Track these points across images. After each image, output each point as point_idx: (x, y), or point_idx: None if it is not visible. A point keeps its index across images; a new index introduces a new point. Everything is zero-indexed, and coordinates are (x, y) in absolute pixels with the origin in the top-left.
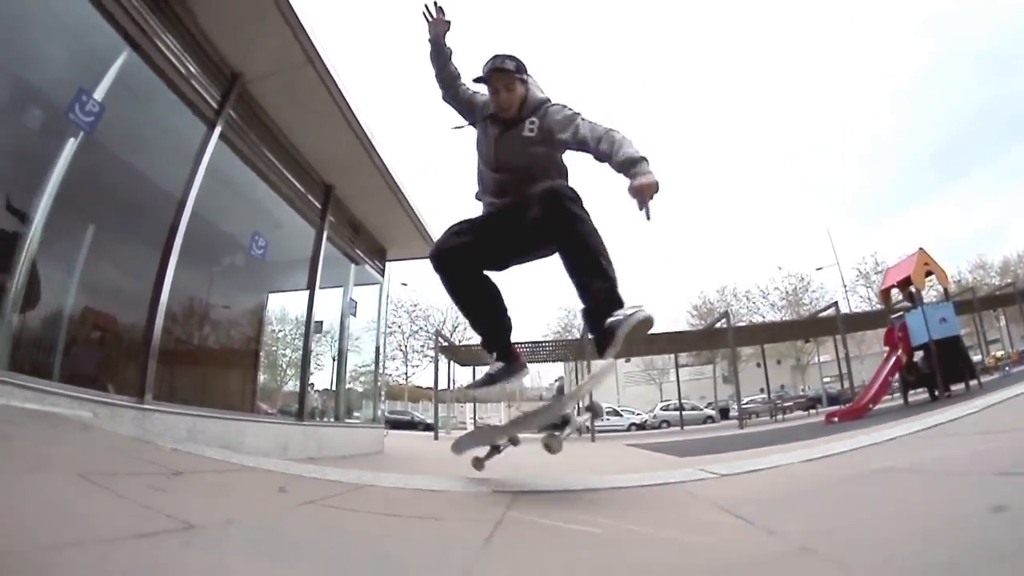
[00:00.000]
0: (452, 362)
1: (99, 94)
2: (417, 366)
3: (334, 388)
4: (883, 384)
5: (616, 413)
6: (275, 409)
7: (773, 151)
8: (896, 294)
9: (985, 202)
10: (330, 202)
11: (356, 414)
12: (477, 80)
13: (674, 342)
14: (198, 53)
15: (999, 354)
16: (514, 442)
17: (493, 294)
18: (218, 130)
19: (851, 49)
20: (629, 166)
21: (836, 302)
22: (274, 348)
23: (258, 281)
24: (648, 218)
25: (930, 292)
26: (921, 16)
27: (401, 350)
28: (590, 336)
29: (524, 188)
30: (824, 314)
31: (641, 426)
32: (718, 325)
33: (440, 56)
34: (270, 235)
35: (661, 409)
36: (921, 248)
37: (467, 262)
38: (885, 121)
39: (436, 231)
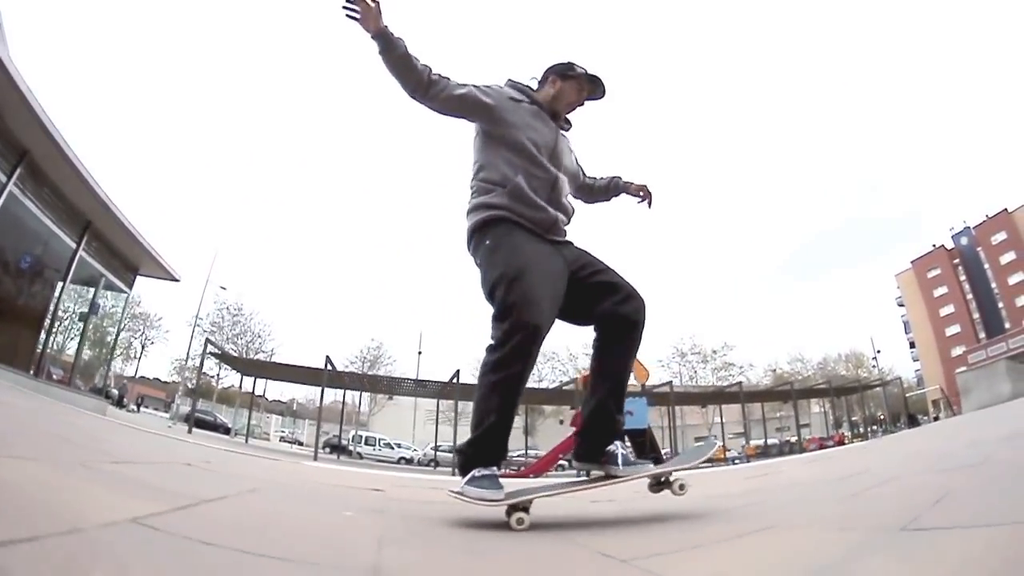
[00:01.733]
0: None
1: None
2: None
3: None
4: (549, 459)
5: (389, 446)
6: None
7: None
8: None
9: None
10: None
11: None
12: (563, 75)
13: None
14: None
15: (754, 443)
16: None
17: None
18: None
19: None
20: (617, 180)
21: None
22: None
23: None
24: (650, 206)
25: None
26: None
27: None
28: (580, 440)
29: (565, 209)
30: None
31: (409, 460)
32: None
33: (398, 53)
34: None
35: (431, 449)
36: None
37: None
38: None
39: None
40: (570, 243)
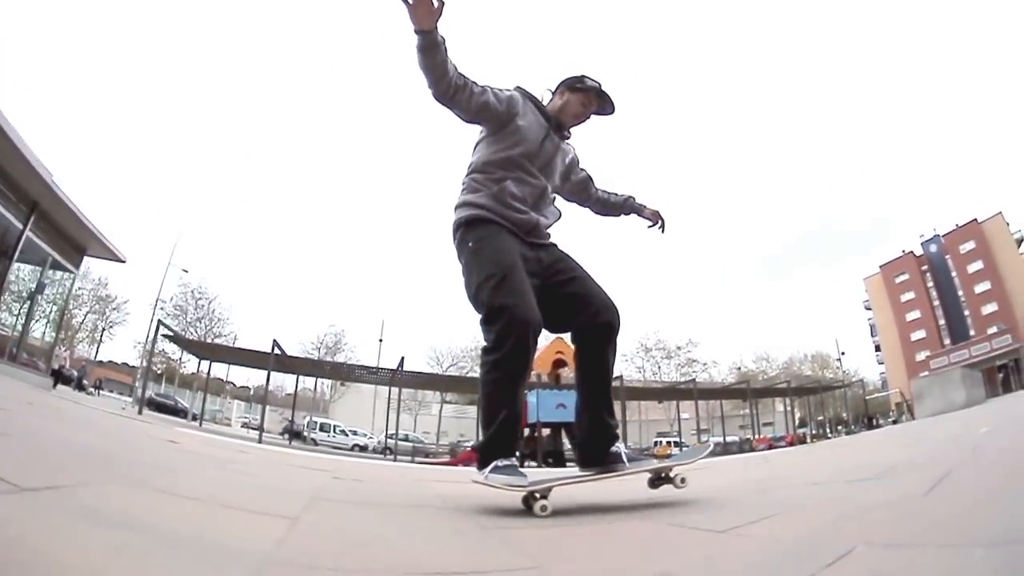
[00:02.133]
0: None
1: None
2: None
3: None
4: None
5: (344, 433)
6: None
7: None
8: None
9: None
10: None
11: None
12: (571, 87)
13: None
14: None
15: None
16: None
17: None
18: None
19: None
20: (631, 201)
21: (620, 375)
22: None
23: None
24: (663, 231)
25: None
26: None
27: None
28: (583, 448)
29: (549, 215)
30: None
31: (364, 448)
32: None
33: (440, 57)
34: None
35: (387, 437)
36: (559, 337)
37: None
38: None
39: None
40: (552, 245)
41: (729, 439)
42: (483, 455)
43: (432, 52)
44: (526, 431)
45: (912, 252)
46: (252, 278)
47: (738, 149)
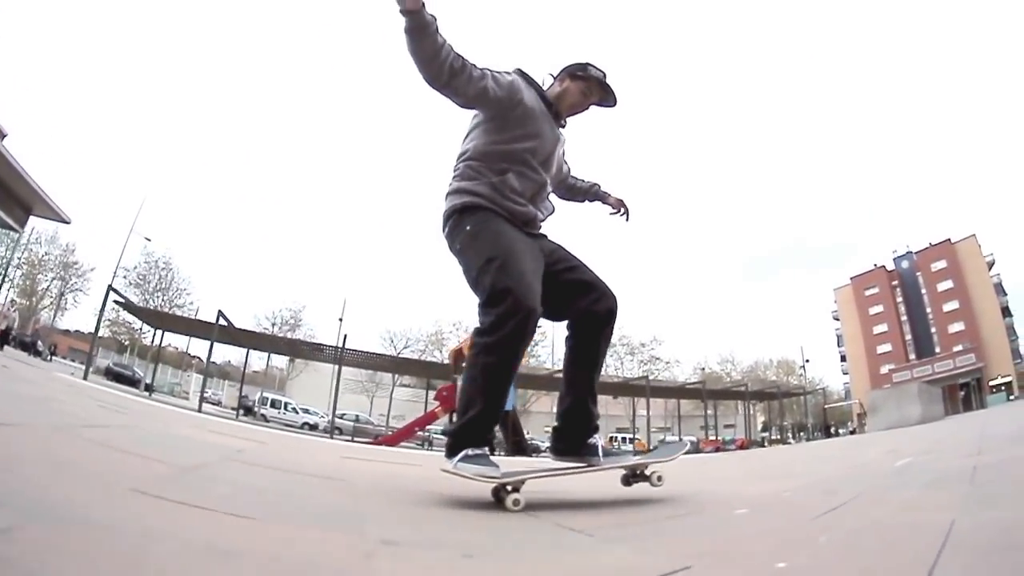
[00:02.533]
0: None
1: None
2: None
3: None
4: (406, 430)
5: (295, 410)
6: None
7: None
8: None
9: None
10: None
11: None
12: (573, 74)
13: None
14: None
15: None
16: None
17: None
18: None
19: None
20: (597, 188)
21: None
22: None
23: None
24: (627, 220)
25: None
26: None
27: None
28: (559, 435)
29: (544, 210)
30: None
31: (313, 427)
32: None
33: (430, 39)
34: None
35: (338, 417)
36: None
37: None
38: None
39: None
40: (544, 236)
41: (688, 438)
42: (454, 442)
43: (420, 35)
44: (452, 416)
45: (884, 267)
46: (219, 251)
47: (723, 152)
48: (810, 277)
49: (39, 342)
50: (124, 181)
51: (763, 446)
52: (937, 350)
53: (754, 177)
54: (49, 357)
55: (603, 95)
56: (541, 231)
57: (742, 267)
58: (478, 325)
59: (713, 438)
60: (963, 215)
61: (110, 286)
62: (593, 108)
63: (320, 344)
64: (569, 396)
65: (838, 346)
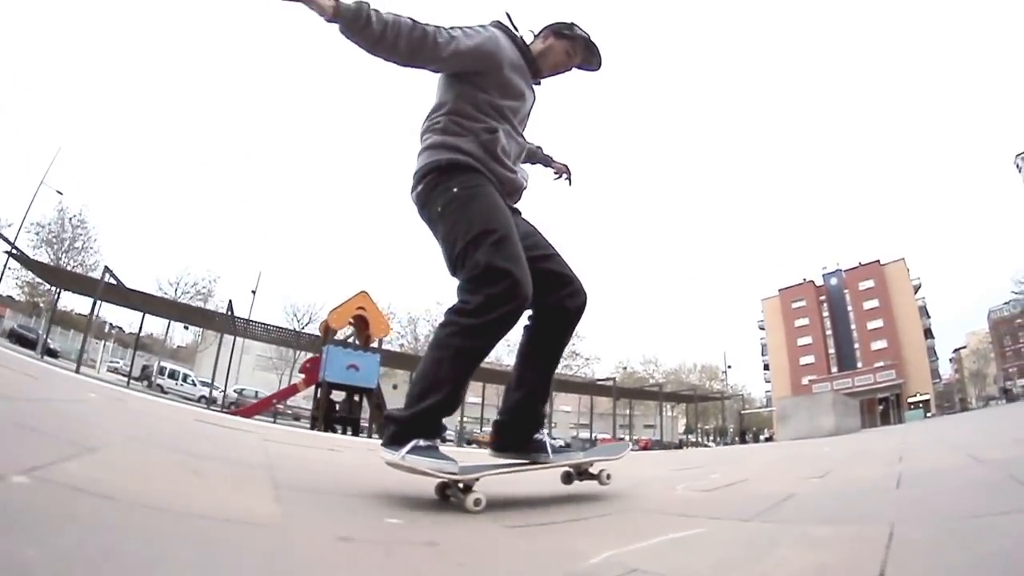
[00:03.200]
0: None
1: None
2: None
3: None
4: (264, 402)
5: (193, 383)
6: None
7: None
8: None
9: None
10: None
11: None
12: (558, 32)
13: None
14: None
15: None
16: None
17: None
18: None
19: None
20: (541, 150)
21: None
22: None
23: None
24: (570, 184)
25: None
26: None
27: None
28: (503, 429)
29: (525, 179)
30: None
31: (212, 401)
32: None
33: (370, 29)
34: None
35: (235, 391)
36: (364, 291)
37: None
38: None
39: None
40: (519, 212)
41: (602, 436)
42: (403, 429)
43: (354, 33)
44: (317, 390)
45: (812, 281)
46: (148, 215)
47: (670, 153)
48: (740, 287)
49: None
50: (38, 130)
51: (680, 448)
52: (859, 365)
53: (701, 182)
54: None
55: (588, 57)
56: (517, 206)
57: (674, 270)
58: (458, 302)
59: (606, 436)
60: (895, 240)
61: (1, 235)
62: (574, 70)
63: (212, 311)
64: (520, 392)
65: (762, 355)
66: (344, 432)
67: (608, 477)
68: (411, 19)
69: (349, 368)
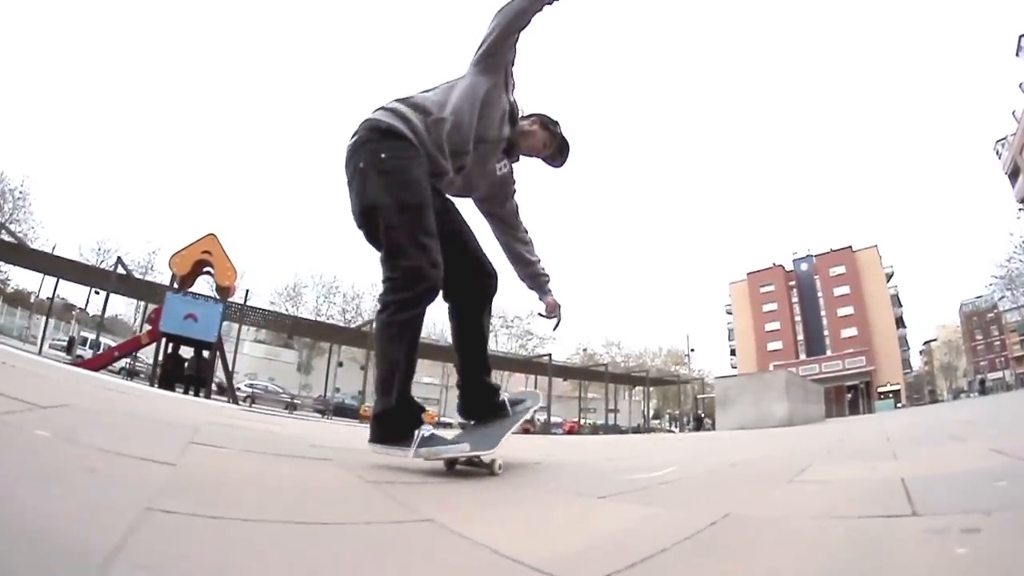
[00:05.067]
0: None
1: None
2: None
3: None
4: (107, 355)
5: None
6: None
7: None
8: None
9: None
10: None
11: None
12: (544, 124)
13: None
14: None
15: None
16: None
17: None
18: None
19: None
20: (545, 280)
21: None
22: None
23: None
24: (555, 329)
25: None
26: None
27: None
28: (467, 403)
29: (454, 183)
30: None
31: (133, 374)
32: None
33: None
34: None
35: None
36: (212, 234)
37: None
38: None
39: None
40: (439, 192)
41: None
42: (396, 421)
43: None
44: (162, 345)
45: (782, 266)
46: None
47: (644, 135)
48: (708, 271)
49: None
50: None
51: (623, 434)
52: (828, 352)
53: (674, 163)
54: None
55: (557, 155)
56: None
57: (640, 253)
58: (385, 280)
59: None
60: (868, 227)
61: None
62: (543, 164)
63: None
64: (467, 377)
65: (729, 340)
66: (187, 392)
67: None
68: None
69: (187, 318)
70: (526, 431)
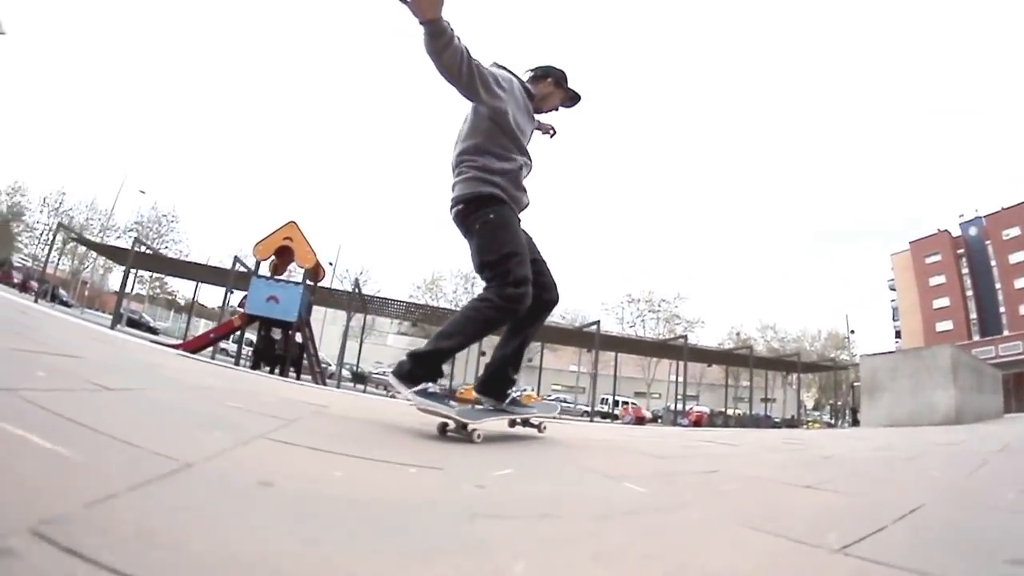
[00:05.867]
0: None
1: None
2: None
3: None
4: (203, 338)
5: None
6: None
7: None
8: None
9: None
10: None
11: None
12: (559, 83)
13: None
14: None
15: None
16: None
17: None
18: None
19: None
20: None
21: (597, 320)
22: None
23: None
24: (551, 136)
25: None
26: None
27: None
28: (487, 381)
29: (528, 196)
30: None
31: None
32: None
33: (451, 48)
34: None
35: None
36: (293, 221)
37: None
38: None
39: None
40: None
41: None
42: (418, 365)
43: (441, 43)
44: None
45: (948, 231)
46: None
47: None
48: (869, 251)
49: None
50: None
51: (737, 426)
52: (1005, 332)
53: (813, 140)
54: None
55: (571, 103)
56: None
57: (801, 233)
58: (499, 287)
59: (632, 406)
60: None
61: (60, 223)
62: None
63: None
64: (502, 362)
65: (893, 320)
66: (272, 371)
67: (544, 428)
68: (478, 61)
69: (269, 300)
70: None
